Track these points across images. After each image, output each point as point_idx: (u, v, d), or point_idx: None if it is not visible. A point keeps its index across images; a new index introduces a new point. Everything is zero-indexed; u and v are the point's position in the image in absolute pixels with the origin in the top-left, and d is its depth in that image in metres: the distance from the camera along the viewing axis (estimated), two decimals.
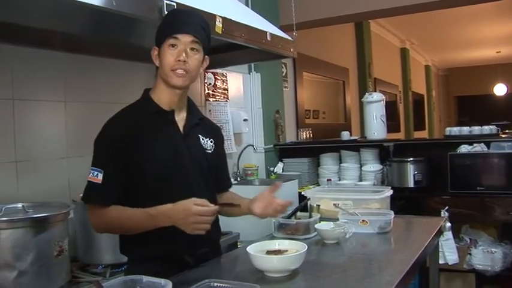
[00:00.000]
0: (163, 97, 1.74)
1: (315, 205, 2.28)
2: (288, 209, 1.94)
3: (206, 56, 1.78)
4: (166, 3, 1.85)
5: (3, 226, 1.76)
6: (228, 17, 2.30)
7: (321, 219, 2.18)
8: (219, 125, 3.58)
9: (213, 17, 2.20)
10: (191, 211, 1.52)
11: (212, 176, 1.84)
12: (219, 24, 2.27)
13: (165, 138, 1.71)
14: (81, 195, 1.72)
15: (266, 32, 2.69)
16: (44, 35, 2.21)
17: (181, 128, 1.76)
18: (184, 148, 1.73)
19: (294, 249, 1.60)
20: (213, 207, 1.57)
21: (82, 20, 2.11)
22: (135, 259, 1.73)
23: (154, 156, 1.66)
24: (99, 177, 1.62)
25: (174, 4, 1.88)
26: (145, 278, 1.35)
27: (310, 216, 2.16)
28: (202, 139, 1.82)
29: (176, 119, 1.76)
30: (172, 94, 1.73)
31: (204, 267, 1.67)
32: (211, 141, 1.85)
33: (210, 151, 1.83)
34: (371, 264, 1.76)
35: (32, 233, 1.80)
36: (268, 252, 1.61)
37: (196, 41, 1.68)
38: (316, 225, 2.03)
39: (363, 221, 2.09)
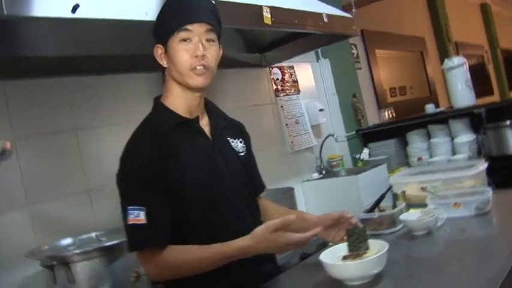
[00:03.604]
0: (180, 104, 1.50)
1: (399, 192, 2.06)
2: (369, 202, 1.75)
3: (220, 45, 1.54)
4: None
5: (77, 259, 1.75)
6: (275, 5, 2.15)
7: (409, 206, 1.96)
8: (293, 119, 3.49)
9: (259, 8, 2.07)
10: (280, 242, 1.32)
11: (250, 180, 1.62)
12: (267, 14, 2.13)
13: (197, 152, 1.47)
14: None
15: (321, 14, 2.52)
16: (98, 61, 2.21)
17: (208, 135, 1.53)
18: (218, 157, 1.51)
19: (374, 249, 1.40)
20: (305, 235, 1.33)
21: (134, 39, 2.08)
22: None
23: (190, 175, 1.43)
24: (141, 217, 1.35)
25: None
26: None
27: (395, 206, 1.93)
28: (232, 141, 1.60)
29: (200, 125, 1.53)
30: (191, 98, 1.50)
31: (277, 283, 1.51)
32: (240, 142, 1.63)
33: (242, 153, 1.61)
34: (469, 256, 1.49)
35: (106, 262, 1.78)
36: (345, 258, 1.42)
37: (211, 30, 1.45)
38: (401, 216, 1.81)
39: (455, 203, 1.83)
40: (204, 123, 1.55)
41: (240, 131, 1.68)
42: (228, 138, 1.59)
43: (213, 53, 1.46)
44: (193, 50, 1.43)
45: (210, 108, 1.61)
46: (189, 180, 1.42)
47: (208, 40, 1.45)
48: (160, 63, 1.50)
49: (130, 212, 1.37)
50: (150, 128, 1.50)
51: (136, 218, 1.35)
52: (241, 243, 1.34)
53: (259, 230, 1.34)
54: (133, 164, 1.43)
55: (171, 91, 1.52)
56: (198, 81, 1.45)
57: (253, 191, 1.67)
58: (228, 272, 1.40)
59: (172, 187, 1.40)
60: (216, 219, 1.46)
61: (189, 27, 1.42)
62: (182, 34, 1.42)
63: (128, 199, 1.41)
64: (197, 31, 1.43)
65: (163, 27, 1.46)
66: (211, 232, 1.43)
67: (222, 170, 1.50)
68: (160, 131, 1.46)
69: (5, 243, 1.86)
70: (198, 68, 1.44)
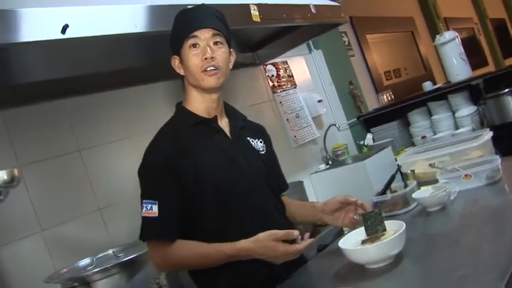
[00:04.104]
0: (199, 106, 1.59)
1: (408, 171, 2.06)
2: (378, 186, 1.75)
3: (232, 50, 1.63)
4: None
5: (97, 277, 1.74)
6: (262, 2, 2.15)
7: (420, 184, 1.96)
8: (293, 114, 3.49)
9: (247, 6, 2.08)
10: (278, 251, 1.37)
11: (273, 178, 1.68)
12: (254, 12, 2.14)
13: (216, 150, 1.55)
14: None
15: (309, 5, 2.53)
16: (92, 79, 2.21)
17: (228, 135, 1.60)
18: (239, 156, 1.57)
19: (391, 230, 1.39)
20: (301, 246, 1.38)
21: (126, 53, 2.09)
22: None
23: (207, 173, 1.49)
24: (154, 210, 1.44)
25: None
26: None
27: (406, 186, 1.94)
28: (252, 141, 1.67)
29: (220, 125, 1.61)
30: (209, 100, 1.59)
31: (301, 272, 1.52)
32: (260, 142, 1.70)
33: (263, 152, 1.68)
34: (486, 226, 1.48)
35: (126, 277, 1.77)
36: (364, 242, 1.41)
37: (217, 34, 1.54)
38: (413, 195, 1.81)
39: (465, 175, 1.82)
40: (224, 124, 1.63)
41: (260, 132, 1.75)
42: (248, 138, 1.66)
43: (221, 54, 1.54)
44: (202, 54, 1.51)
45: (229, 110, 1.69)
46: (207, 177, 1.49)
47: (215, 43, 1.54)
48: (178, 72, 1.60)
49: (145, 204, 1.46)
50: (170, 127, 1.59)
51: (149, 210, 1.45)
52: (243, 245, 1.41)
53: (263, 235, 1.40)
54: (151, 160, 1.52)
55: (190, 96, 1.61)
56: (210, 81, 1.53)
57: (277, 189, 1.72)
58: (249, 263, 1.44)
59: (188, 184, 1.47)
60: (236, 217, 1.51)
61: (196, 33, 1.52)
62: (191, 41, 1.52)
63: (144, 192, 1.50)
64: (204, 36, 1.52)
65: (176, 39, 1.56)
66: (229, 229, 1.49)
67: (244, 168, 1.56)
68: (179, 130, 1.55)
69: (22, 271, 1.86)
70: (208, 69, 1.52)
